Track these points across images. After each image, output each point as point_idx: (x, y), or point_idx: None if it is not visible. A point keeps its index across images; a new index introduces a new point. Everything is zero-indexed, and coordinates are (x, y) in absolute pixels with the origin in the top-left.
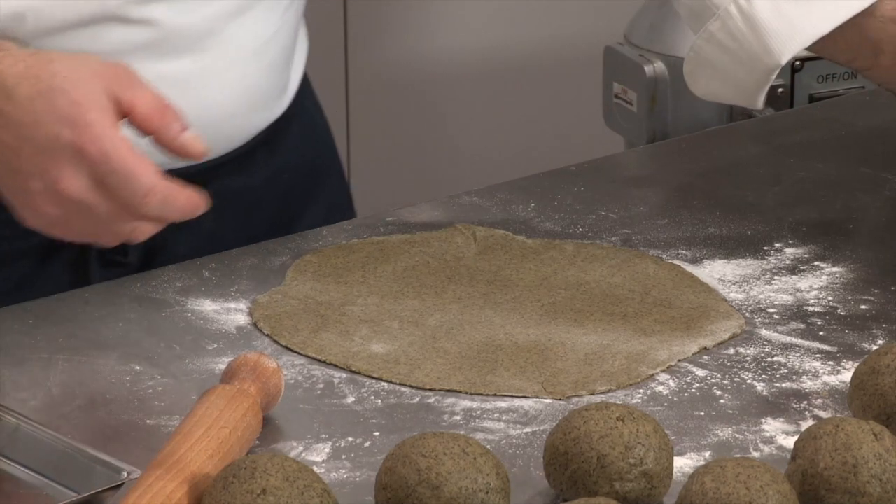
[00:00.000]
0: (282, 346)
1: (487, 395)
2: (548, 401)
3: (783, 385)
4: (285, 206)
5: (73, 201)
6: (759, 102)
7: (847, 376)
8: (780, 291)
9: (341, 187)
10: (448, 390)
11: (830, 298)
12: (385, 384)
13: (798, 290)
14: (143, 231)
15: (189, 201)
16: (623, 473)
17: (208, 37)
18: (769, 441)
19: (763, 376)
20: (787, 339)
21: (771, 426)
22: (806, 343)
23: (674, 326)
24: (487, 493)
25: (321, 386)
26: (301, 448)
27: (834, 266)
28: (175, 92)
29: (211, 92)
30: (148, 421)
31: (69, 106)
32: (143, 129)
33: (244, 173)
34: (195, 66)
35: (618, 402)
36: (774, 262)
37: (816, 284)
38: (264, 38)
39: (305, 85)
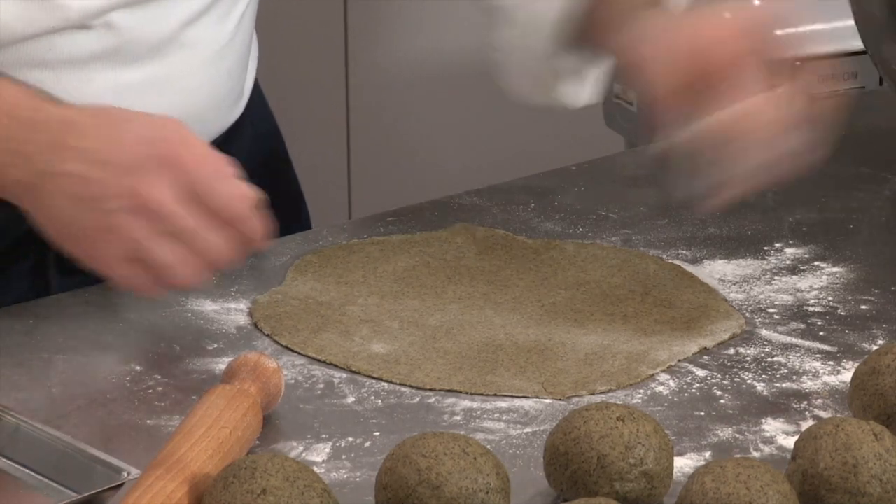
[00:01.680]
0: (282, 346)
1: (487, 395)
2: (548, 401)
3: (783, 385)
4: None
5: (161, 213)
6: (572, 98)
7: (847, 376)
8: (780, 291)
9: (294, 191)
10: (448, 390)
11: (830, 298)
12: (385, 384)
13: (798, 290)
14: (224, 253)
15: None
16: (623, 473)
17: (168, 43)
18: (769, 441)
19: (763, 376)
20: (788, 339)
21: (771, 426)
22: (806, 343)
23: (674, 326)
24: (488, 493)
25: (321, 386)
26: (301, 448)
27: (834, 266)
28: (135, 99)
29: (171, 98)
30: (148, 421)
31: (148, 126)
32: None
33: None
34: (155, 72)
35: (618, 402)
36: (774, 262)
37: (816, 284)
38: (222, 43)
39: (256, 89)
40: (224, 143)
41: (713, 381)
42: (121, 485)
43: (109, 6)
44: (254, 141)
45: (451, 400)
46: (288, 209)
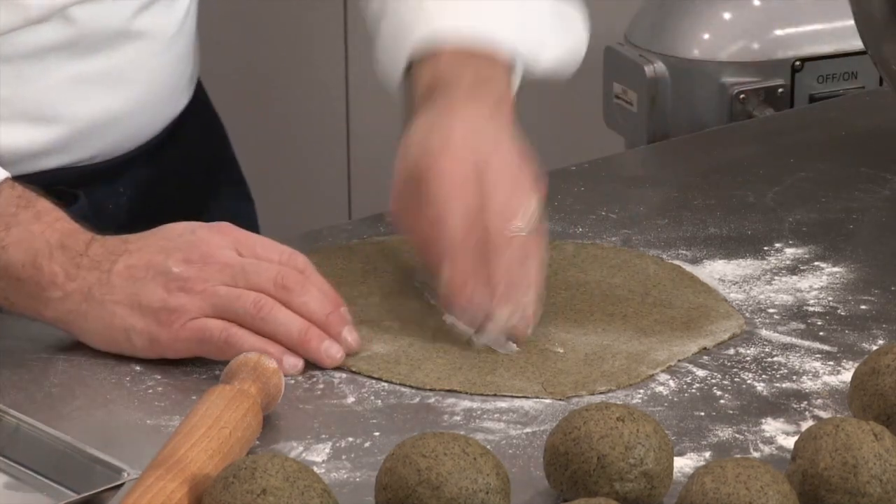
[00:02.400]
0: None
1: (487, 395)
2: (548, 401)
3: (783, 385)
4: (192, 199)
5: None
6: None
7: (847, 376)
8: (780, 291)
9: (238, 181)
10: (448, 390)
11: (830, 298)
12: (385, 384)
13: (798, 290)
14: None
15: None
16: (623, 474)
17: (122, 33)
18: (769, 441)
19: (763, 376)
20: (788, 339)
21: (771, 426)
22: (806, 343)
23: (674, 326)
24: (488, 493)
25: (321, 386)
26: (301, 448)
27: (834, 266)
28: (92, 89)
29: (127, 87)
30: (148, 421)
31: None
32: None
33: (154, 165)
34: (112, 62)
35: (618, 403)
36: (774, 262)
37: (816, 284)
38: (173, 30)
39: (198, 79)
40: (174, 130)
41: (713, 381)
42: (121, 485)
43: (68, 1)
44: (201, 130)
45: (451, 400)
46: (236, 195)
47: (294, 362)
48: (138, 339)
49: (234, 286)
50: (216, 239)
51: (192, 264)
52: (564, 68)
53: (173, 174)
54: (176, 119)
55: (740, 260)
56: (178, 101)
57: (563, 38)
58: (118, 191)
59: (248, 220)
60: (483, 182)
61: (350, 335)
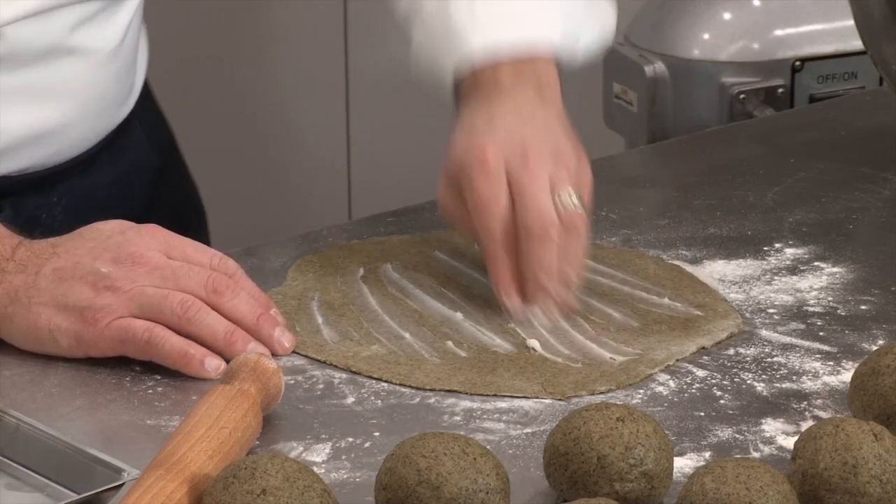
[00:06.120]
0: None
1: (487, 395)
2: (548, 401)
3: (783, 385)
4: (133, 206)
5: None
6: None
7: (847, 377)
8: (780, 292)
9: (187, 188)
10: (448, 391)
11: (830, 299)
12: (385, 384)
13: (798, 290)
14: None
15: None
16: (623, 474)
17: (55, 49)
18: (769, 441)
19: (763, 377)
20: (787, 339)
21: (771, 426)
22: (806, 343)
23: (673, 326)
24: (487, 493)
25: (321, 386)
26: (301, 448)
27: (834, 266)
28: (21, 104)
29: (59, 102)
30: (148, 421)
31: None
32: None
33: (90, 175)
34: (42, 78)
35: (618, 403)
36: (774, 262)
37: (816, 285)
38: (111, 46)
39: (146, 88)
40: (113, 140)
41: (713, 381)
42: (121, 485)
43: (4, 21)
44: (144, 138)
45: (451, 400)
46: (185, 203)
47: (217, 364)
48: (63, 339)
49: (163, 288)
50: (145, 240)
51: (120, 264)
52: (597, 55)
53: (112, 183)
54: (114, 130)
55: (740, 260)
56: (114, 115)
57: (595, 26)
58: (51, 200)
59: (195, 228)
60: (524, 170)
61: (283, 336)
